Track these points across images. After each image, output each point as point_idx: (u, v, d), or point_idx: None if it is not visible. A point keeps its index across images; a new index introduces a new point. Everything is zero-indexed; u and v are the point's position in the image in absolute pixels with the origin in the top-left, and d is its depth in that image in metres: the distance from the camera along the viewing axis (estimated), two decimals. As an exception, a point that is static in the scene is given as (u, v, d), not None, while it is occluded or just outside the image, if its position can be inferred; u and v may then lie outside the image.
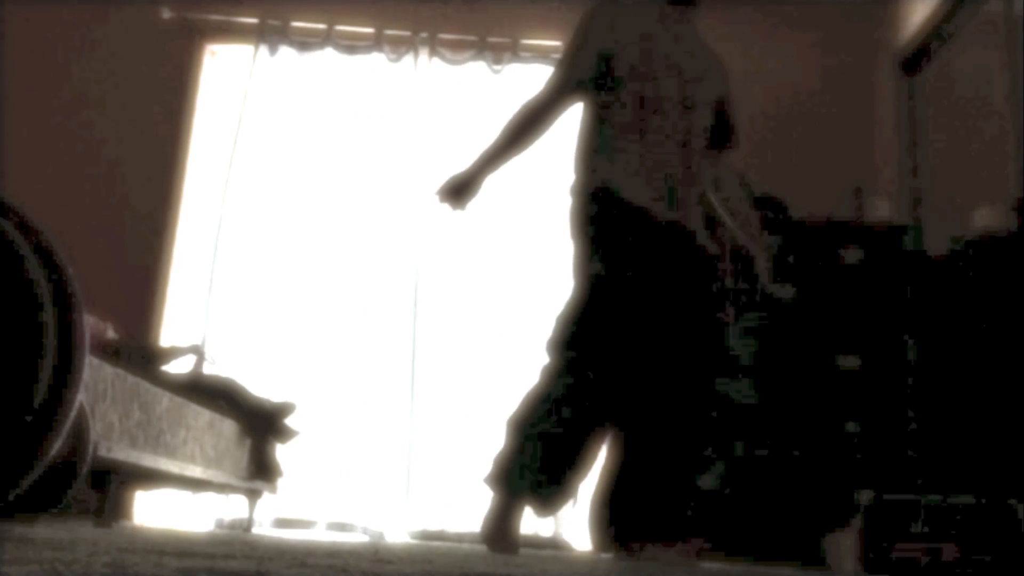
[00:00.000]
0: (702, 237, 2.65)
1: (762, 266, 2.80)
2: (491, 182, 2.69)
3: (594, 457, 2.53)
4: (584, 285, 2.53)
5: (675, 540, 2.49)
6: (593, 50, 2.62)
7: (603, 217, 2.54)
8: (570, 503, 2.73)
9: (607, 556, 2.57)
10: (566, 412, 2.45)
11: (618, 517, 2.53)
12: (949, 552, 2.83)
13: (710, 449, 2.78)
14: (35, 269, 1.33)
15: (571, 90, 2.65)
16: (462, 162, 2.70)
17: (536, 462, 2.45)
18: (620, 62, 2.60)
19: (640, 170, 2.56)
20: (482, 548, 2.52)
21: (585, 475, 2.53)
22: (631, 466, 2.54)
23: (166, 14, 4.68)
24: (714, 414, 2.64)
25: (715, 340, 2.64)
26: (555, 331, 2.54)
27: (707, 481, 3.56)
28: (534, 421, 2.48)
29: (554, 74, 2.68)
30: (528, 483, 2.46)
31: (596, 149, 2.62)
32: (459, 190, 2.64)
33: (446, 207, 2.68)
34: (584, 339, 2.48)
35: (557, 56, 4.66)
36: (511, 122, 2.66)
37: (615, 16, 2.67)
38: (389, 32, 4.72)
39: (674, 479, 2.53)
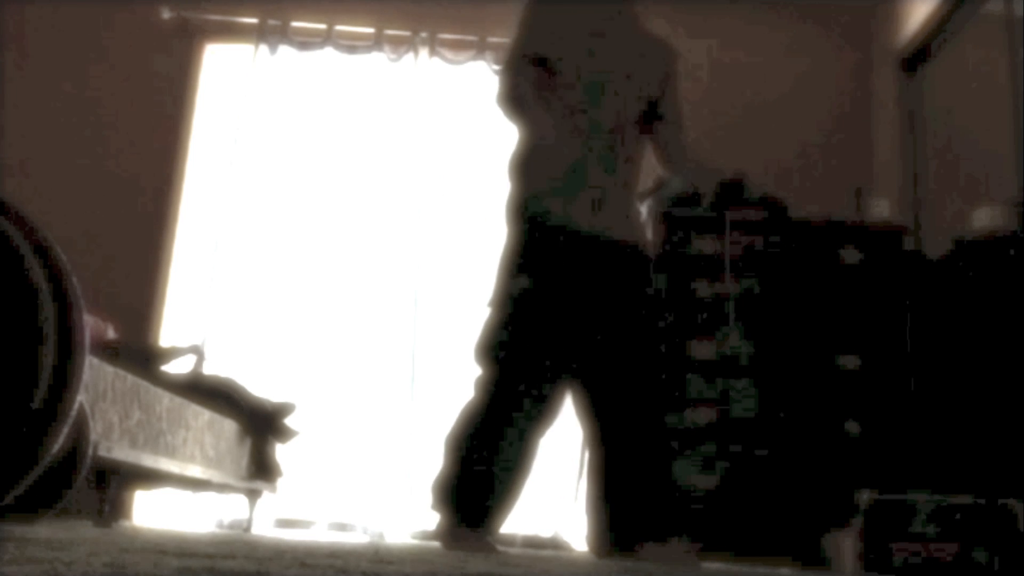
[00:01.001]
0: (629, 238, 2.65)
1: (677, 179, 2.78)
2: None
3: (533, 462, 2.54)
4: (508, 294, 2.54)
5: (669, 537, 2.49)
6: (537, 43, 2.63)
7: (531, 229, 2.57)
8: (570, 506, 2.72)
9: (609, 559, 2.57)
10: (500, 423, 2.47)
11: (614, 523, 2.53)
12: (949, 552, 2.83)
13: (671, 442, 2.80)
14: (35, 269, 1.33)
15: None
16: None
17: (475, 481, 2.47)
18: (558, 57, 2.61)
19: (569, 180, 2.57)
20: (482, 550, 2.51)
21: (525, 481, 2.53)
22: (614, 471, 2.55)
23: (166, 14, 4.68)
24: (662, 410, 2.65)
25: (649, 340, 2.62)
26: (482, 340, 2.56)
27: (707, 481, 3.56)
28: (470, 436, 2.49)
29: (506, 75, 2.66)
30: (472, 504, 2.47)
31: (528, 156, 2.63)
32: None
33: None
34: (512, 348, 2.50)
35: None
36: (515, 111, 2.63)
37: (555, 9, 2.68)
38: (389, 32, 4.72)
39: (656, 477, 2.54)
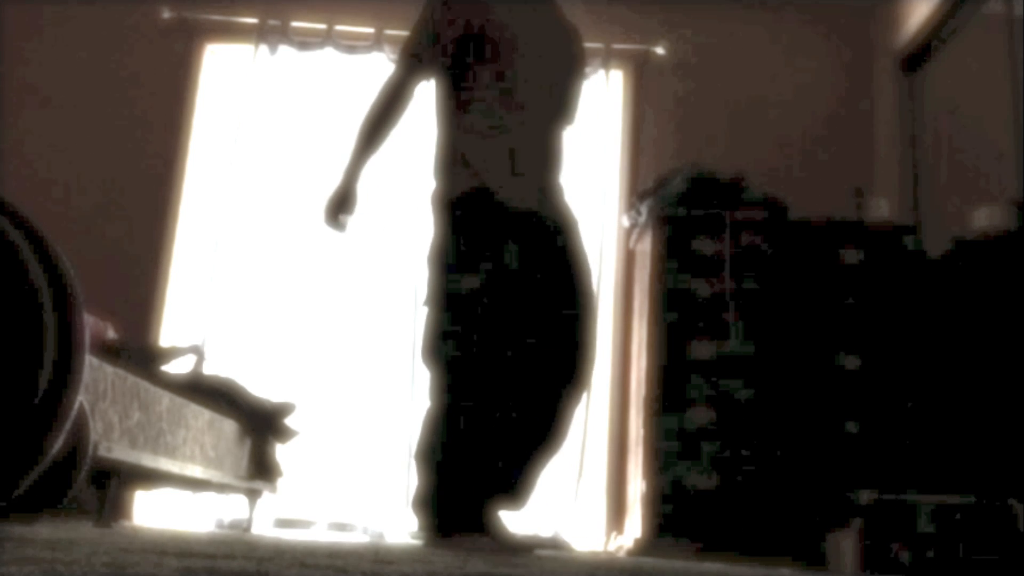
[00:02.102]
0: (565, 217, 2.64)
1: None
2: (364, 190, 2.65)
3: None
4: (451, 291, 2.48)
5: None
6: (457, 26, 2.58)
7: (468, 217, 2.51)
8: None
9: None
10: (466, 425, 2.43)
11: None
12: (949, 552, 2.83)
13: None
14: (35, 269, 1.33)
15: (427, 67, 2.61)
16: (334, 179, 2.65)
17: (459, 491, 2.43)
18: (483, 40, 2.57)
19: (506, 164, 2.54)
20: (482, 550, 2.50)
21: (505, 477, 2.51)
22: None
23: (166, 14, 4.68)
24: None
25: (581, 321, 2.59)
26: (428, 343, 2.49)
27: (707, 481, 3.56)
28: (443, 446, 2.44)
29: (407, 53, 2.64)
30: (459, 511, 2.43)
31: (462, 144, 2.57)
32: (336, 208, 2.63)
33: (331, 230, 2.66)
34: (461, 347, 2.44)
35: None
36: (367, 118, 2.63)
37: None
38: (389, 32, 4.72)
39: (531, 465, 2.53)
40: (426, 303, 2.54)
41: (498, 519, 2.50)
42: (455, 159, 2.58)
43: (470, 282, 2.46)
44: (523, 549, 2.38)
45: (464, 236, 2.51)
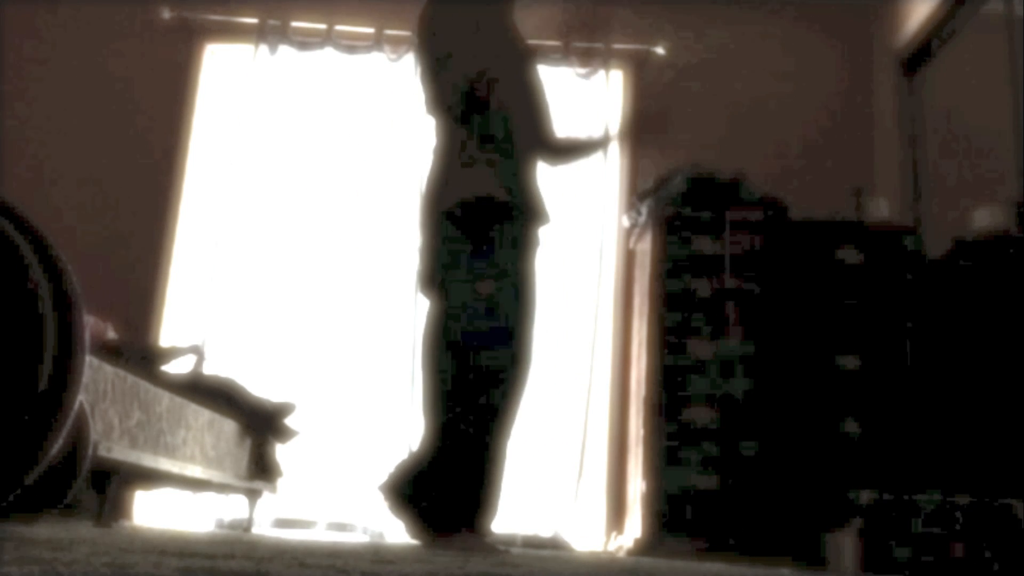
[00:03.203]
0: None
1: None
2: None
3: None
4: (462, 298, 2.44)
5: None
6: (494, 36, 2.60)
7: (488, 225, 2.48)
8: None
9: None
10: (470, 443, 2.39)
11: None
12: (949, 552, 2.83)
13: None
14: (35, 269, 1.33)
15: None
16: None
17: (458, 500, 2.41)
18: (513, 48, 2.64)
19: (522, 168, 2.56)
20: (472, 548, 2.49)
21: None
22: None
23: (166, 14, 4.68)
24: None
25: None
26: (435, 347, 2.46)
27: (707, 481, 3.56)
28: (445, 458, 2.41)
29: (480, 73, 2.51)
30: (462, 512, 2.42)
31: (476, 148, 2.52)
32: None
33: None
34: (472, 353, 2.42)
35: (557, 55, 4.66)
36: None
37: (469, 11, 2.60)
38: (389, 32, 4.72)
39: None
40: (429, 308, 2.53)
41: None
42: (467, 164, 2.54)
43: (483, 287, 2.44)
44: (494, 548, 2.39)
45: (474, 239, 2.48)
